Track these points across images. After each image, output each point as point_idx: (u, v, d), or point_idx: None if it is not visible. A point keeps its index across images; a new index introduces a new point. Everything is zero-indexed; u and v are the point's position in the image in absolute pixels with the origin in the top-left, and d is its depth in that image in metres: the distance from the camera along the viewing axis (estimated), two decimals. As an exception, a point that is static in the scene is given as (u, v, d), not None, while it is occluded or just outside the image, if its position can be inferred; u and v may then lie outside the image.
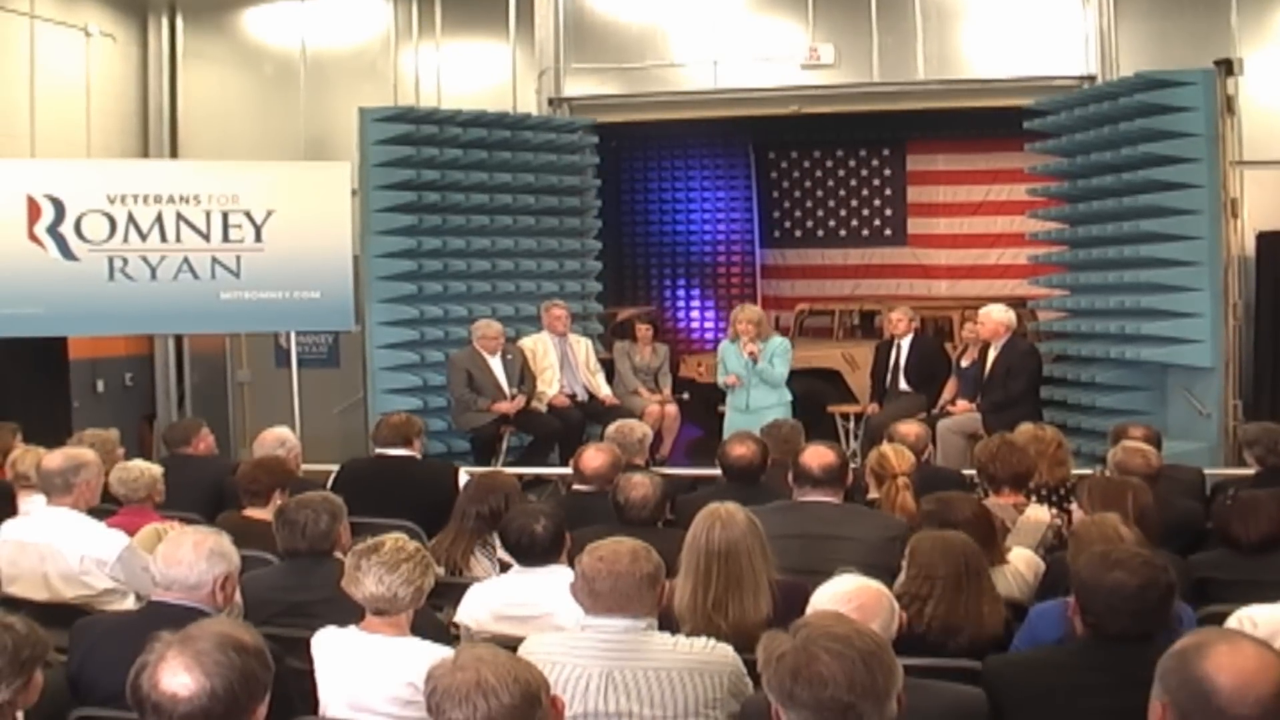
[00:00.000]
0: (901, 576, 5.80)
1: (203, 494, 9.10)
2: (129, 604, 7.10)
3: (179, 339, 17.26)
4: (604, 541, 5.28)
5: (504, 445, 14.12)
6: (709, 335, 23.63)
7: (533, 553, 6.42)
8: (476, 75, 16.93)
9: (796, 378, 14.27)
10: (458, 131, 15.32)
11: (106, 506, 8.15)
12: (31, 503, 8.08)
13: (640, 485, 7.56)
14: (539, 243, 16.05)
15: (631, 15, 16.65)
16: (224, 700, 3.74)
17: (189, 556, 5.48)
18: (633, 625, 5.06)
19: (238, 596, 6.21)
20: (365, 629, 5.32)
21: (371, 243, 14.72)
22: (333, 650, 5.28)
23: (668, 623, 5.52)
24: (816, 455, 7.60)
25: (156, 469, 8.41)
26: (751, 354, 12.84)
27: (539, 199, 15.97)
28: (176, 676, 3.72)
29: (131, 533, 7.30)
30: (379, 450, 10.01)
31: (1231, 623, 5.35)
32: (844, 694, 3.65)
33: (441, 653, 4.05)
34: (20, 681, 4.16)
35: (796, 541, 6.47)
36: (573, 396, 14.48)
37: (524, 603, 6.29)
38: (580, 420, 14.15)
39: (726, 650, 5.11)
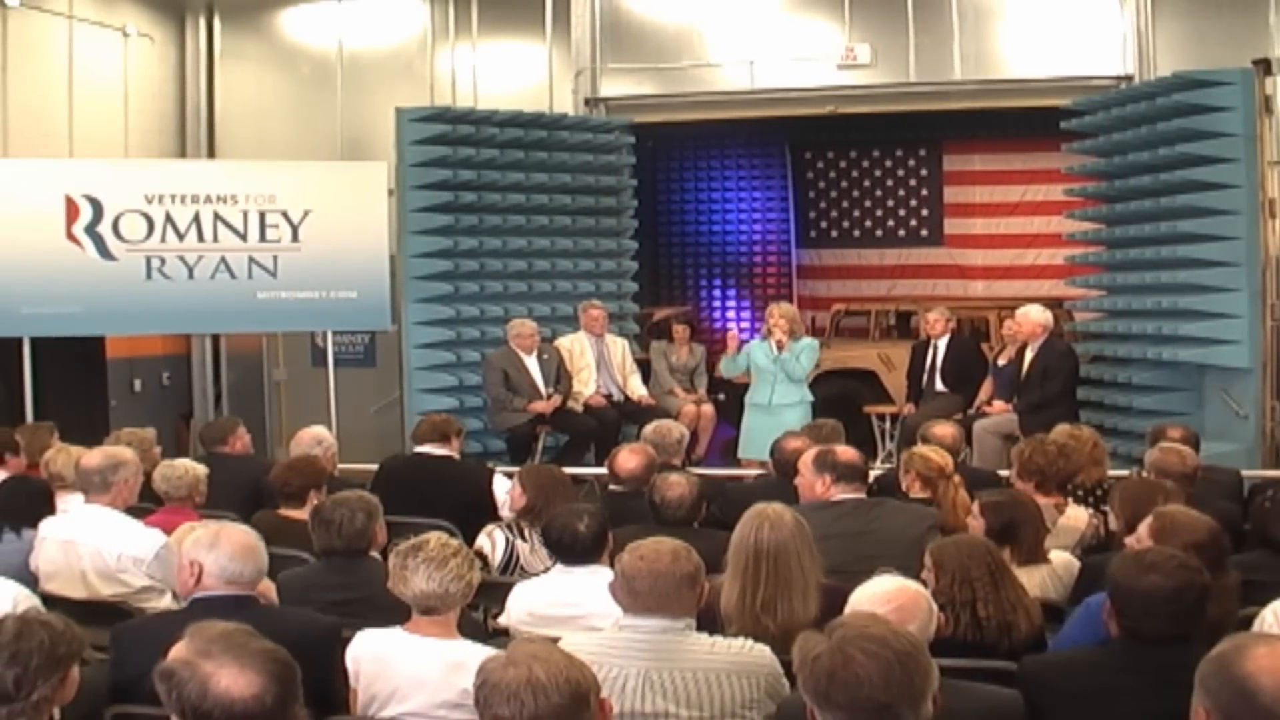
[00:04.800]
0: (931, 584, 5.77)
1: (239, 493, 9.12)
2: (166, 601, 7.14)
3: (216, 338, 17.35)
4: (644, 541, 5.27)
5: (540, 445, 14.13)
6: (745, 335, 23.60)
7: (575, 551, 6.44)
8: (513, 75, 16.96)
9: (833, 378, 14.29)
10: (494, 131, 15.33)
11: (145, 505, 8.19)
12: (69, 501, 8.12)
13: (677, 485, 7.58)
14: (575, 243, 16.04)
15: (668, 15, 16.66)
16: (281, 681, 3.72)
17: (252, 543, 5.64)
18: (671, 625, 5.06)
19: (273, 595, 6.23)
20: (412, 630, 5.31)
21: (408, 242, 14.74)
22: (377, 652, 5.26)
23: (712, 622, 5.52)
24: (842, 453, 7.68)
25: (200, 469, 8.45)
26: (779, 343, 12.88)
27: (575, 199, 15.96)
28: (224, 677, 3.68)
29: (170, 531, 7.34)
30: (417, 448, 10.07)
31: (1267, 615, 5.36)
32: (880, 695, 3.65)
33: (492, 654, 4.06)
34: (56, 678, 4.18)
35: (835, 541, 6.48)
36: (609, 396, 14.49)
37: (564, 602, 6.31)
38: (616, 420, 14.14)
39: (764, 651, 5.11)
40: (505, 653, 3.91)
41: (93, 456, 7.85)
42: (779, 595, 5.72)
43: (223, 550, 5.54)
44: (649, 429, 10.09)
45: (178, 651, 3.77)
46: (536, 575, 6.95)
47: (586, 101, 16.73)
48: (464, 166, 14.97)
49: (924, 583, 5.54)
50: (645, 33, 16.73)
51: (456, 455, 10.12)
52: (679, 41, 16.61)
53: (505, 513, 8.66)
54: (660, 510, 7.53)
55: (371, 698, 5.18)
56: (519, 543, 7.80)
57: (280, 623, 4.91)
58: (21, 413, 13.46)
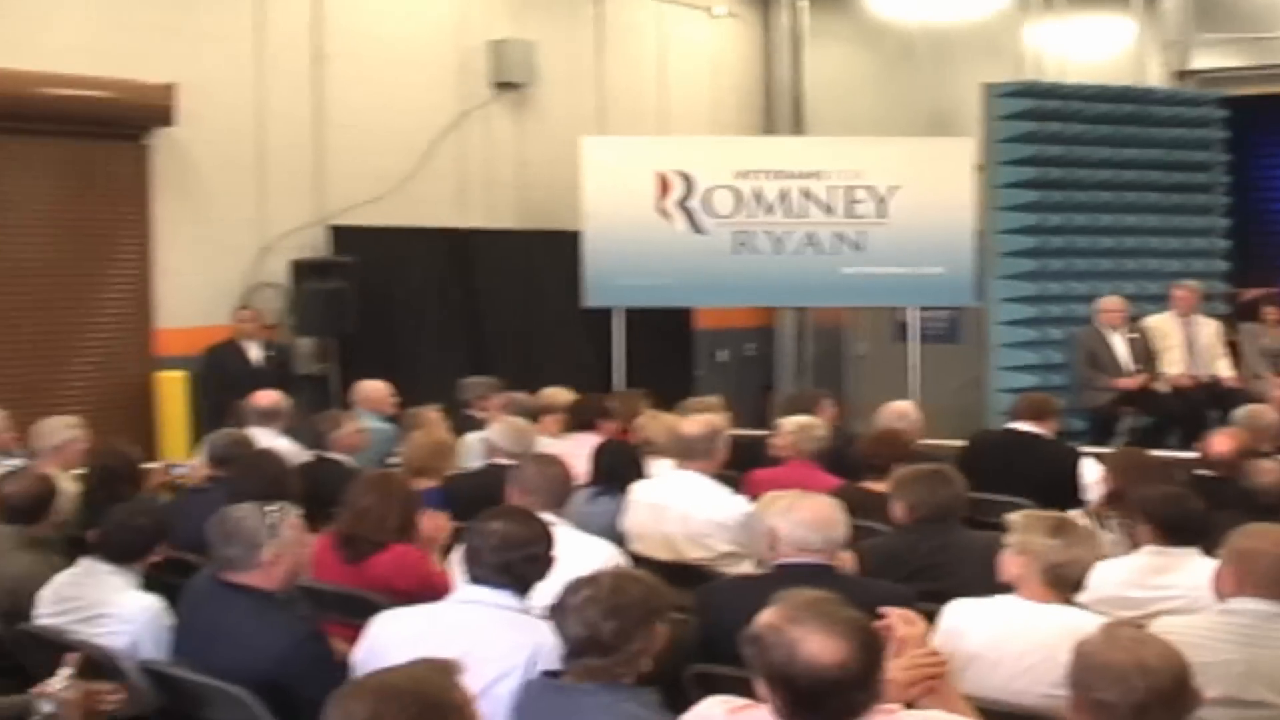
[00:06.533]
0: None
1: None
2: (745, 568, 7.26)
3: (800, 312, 17.58)
4: (1258, 525, 5.13)
5: (1122, 425, 13.84)
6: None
7: (1184, 529, 6.23)
8: (1100, 48, 16.67)
9: None
10: (1081, 106, 15.09)
11: (728, 473, 8.37)
12: (659, 466, 8.39)
13: (1271, 471, 7.36)
14: (1164, 220, 15.59)
15: (1263, -17, 16.09)
16: (867, 649, 3.72)
17: (831, 515, 5.70)
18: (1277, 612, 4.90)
19: (852, 565, 6.30)
20: (1029, 597, 5.22)
21: (994, 219, 14.65)
22: (1004, 619, 5.20)
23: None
24: None
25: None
26: None
27: (1165, 175, 15.54)
28: (812, 643, 3.65)
29: (796, 485, 7.53)
30: (1010, 424, 10.01)
31: None
32: None
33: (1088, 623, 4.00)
34: (648, 630, 4.34)
35: None
36: (1195, 378, 14.06)
37: (1152, 585, 6.11)
38: (1202, 403, 13.71)
39: None
40: (1102, 634, 3.83)
41: (693, 424, 8.12)
42: None
43: (794, 517, 5.66)
44: (1241, 412, 9.77)
45: (767, 616, 3.81)
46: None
47: (1176, 74, 16.30)
48: (1051, 142, 14.79)
49: None
50: (1237, 2, 16.18)
51: (1049, 434, 9.97)
52: (1273, 11, 16.00)
53: (1090, 496, 8.52)
54: (1253, 497, 7.30)
55: (994, 664, 5.13)
56: (1100, 532, 7.66)
57: (859, 591, 4.95)
58: (611, 379, 14.01)
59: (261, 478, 7.18)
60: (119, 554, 6.07)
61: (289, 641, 5.28)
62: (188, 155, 12.94)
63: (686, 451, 7.94)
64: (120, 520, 6.18)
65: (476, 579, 5.15)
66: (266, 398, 10.15)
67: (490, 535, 5.15)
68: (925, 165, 14.56)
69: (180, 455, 11.05)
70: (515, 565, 5.09)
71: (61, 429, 8.74)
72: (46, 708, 4.83)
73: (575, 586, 4.41)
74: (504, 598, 5.05)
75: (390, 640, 5.02)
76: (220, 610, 5.49)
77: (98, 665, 5.31)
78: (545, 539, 5.24)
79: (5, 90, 11.52)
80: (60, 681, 4.84)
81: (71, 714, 4.84)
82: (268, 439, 9.35)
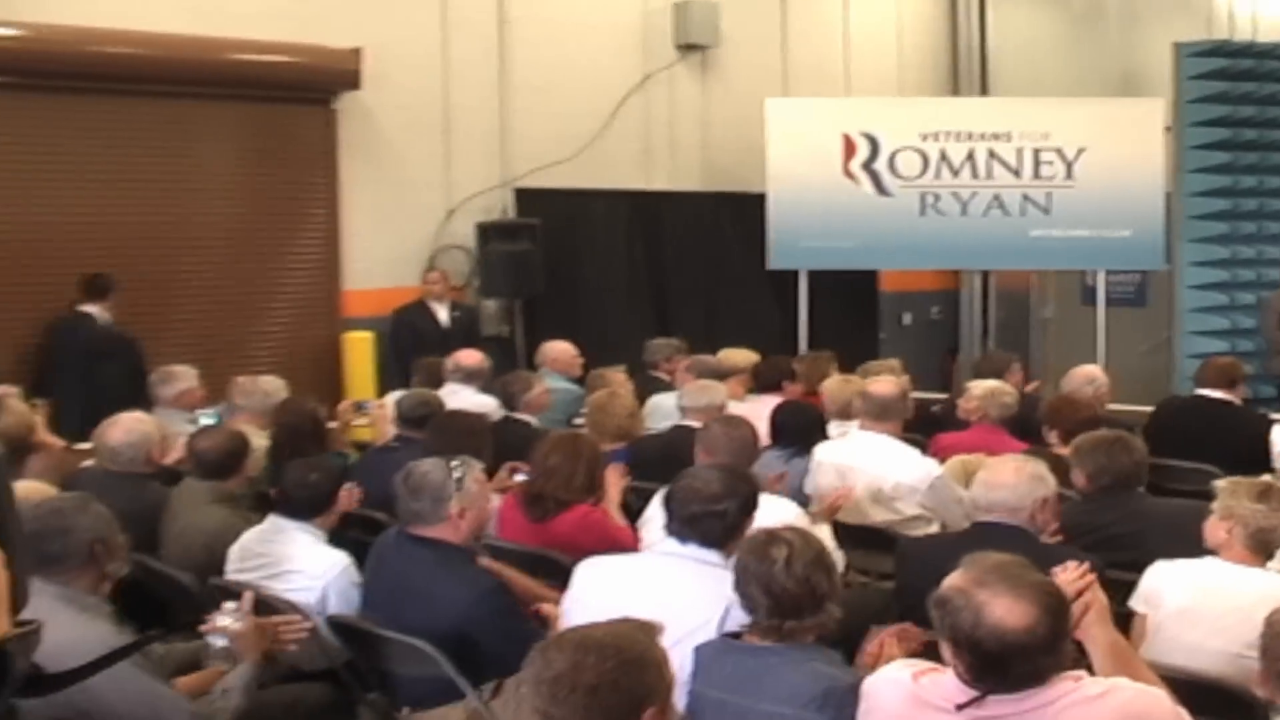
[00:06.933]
0: None
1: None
2: (932, 531, 7.26)
3: (985, 275, 17.42)
4: None
5: (1313, 392, 13.64)
6: None
7: None
8: (1292, 6, 16.35)
9: None
10: (1275, 66, 14.76)
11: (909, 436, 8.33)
12: (845, 428, 8.36)
13: None
14: (1356, 185, 15.24)
15: None
16: (1053, 614, 3.67)
17: (1011, 480, 5.62)
18: None
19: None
20: (1232, 560, 5.19)
21: (1184, 181, 14.40)
22: (1182, 581, 5.19)
23: None
24: None
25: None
26: None
27: (1360, 136, 15.17)
28: (998, 607, 3.63)
29: (983, 449, 7.50)
30: (1198, 390, 9.83)
31: None
32: None
33: None
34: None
35: None
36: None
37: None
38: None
39: None
40: None
41: (883, 385, 8.10)
42: None
43: (982, 477, 5.74)
44: None
45: (954, 579, 3.80)
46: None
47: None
48: (1244, 103, 14.50)
49: None
50: None
51: (1237, 401, 9.80)
52: None
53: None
54: None
55: (1192, 623, 5.07)
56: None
57: (1048, 556, 4.92)
58: (795, 342, 13.99)
59: (454, 437, 7.22)
60: (298, 510, 6.19)
61: (474, 594, 5.35)
62: (374, 119, 13.10)
63: (878, 412, 7.90)
64: (295, 478, 6.28)
65: (670, 532, 5.20)
66: (471, 357, 10.28)
67: (680, 490, 5.20)
68: (1113, 126, 14.33)
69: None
70: (700, 520, 5.10)
71: (281, 390, 8.99)
72: (219, 642, 4.96)
73: (762, 549, 4.38)
74: (695, 550, 5.08)
75: (592, 587, 5.15)
76: (407, 563, 5.58)
77: (274, 611, 5.41)
78: (736, 496, 5.21)
79: (196, 56, 11.79)
80: (228, 616, 4.96)
81: (244, 646, 4.96)
82: (469, 397, 9.50)
